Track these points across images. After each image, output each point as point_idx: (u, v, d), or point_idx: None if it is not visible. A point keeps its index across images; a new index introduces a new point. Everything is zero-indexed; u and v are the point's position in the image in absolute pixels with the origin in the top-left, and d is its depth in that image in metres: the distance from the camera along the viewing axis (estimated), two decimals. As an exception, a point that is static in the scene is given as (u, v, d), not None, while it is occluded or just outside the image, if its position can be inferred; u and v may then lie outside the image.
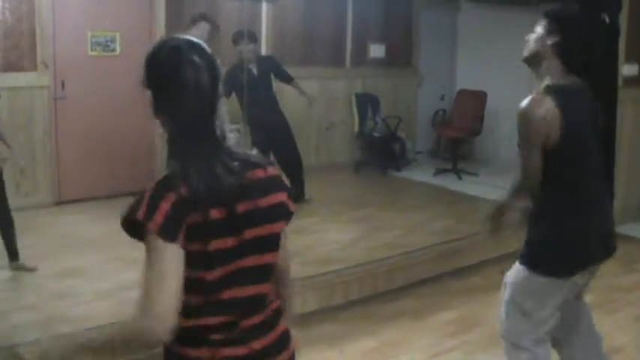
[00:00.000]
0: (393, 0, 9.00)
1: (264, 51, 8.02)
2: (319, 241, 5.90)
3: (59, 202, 6.57)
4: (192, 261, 1.79)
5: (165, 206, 1.76)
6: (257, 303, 1.95)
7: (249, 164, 1.92)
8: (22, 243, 5.50)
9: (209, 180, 1.80)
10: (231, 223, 1.83)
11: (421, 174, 8.56)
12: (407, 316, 4.86)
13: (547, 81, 2.93)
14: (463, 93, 9.32)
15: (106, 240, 5.58)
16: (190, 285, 1.80)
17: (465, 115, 8.98)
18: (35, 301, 4.48)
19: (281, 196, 1.96)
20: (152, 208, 1.77)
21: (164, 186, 1.79)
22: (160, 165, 7.26)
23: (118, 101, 6.60)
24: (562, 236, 2.92)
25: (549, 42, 2.93)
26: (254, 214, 1.87)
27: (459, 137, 8.97)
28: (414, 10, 9.35)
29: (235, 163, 1.88)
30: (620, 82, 6.46)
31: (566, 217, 2.93)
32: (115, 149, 6.85)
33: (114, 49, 6.85)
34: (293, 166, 6.66)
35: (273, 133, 6.70)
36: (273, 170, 1.99)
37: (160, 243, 1.77)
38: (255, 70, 6.83)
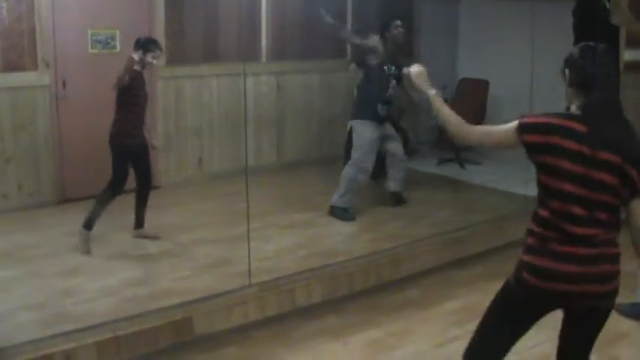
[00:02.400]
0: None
1: (264, 44, 8.01)
2: (323, 233, 5.90)
3: (62, 201, 6.58)
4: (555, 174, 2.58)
5: (540, 119, 2.64)
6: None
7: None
8: (26, 242, 5.55)
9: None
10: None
11: (424, 164, 8.54)
12: (411, 307, 4.87)
13: None
14: (465, 82, 9.29)
15: (109, 237, 5.61)
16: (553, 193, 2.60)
17: (468, 104, 8.94)
18: (40, 300, 4.50)
19: None
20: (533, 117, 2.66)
21: (558, 114, 2.66)
22: (163, 162, 7.27)
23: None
24: None
25: None
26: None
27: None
28: (415, 0, 9.32)
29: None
30: (621, 68, 6.43)
31: None
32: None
33: (114, 47, 6.83)
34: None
35: None
36: None
37: (513, 127, 2.68)
38: None
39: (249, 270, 4.66)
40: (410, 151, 8.85)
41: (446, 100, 9.12)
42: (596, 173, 2.55)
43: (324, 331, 4.48)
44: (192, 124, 7.53)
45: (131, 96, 5.41)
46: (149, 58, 5.39)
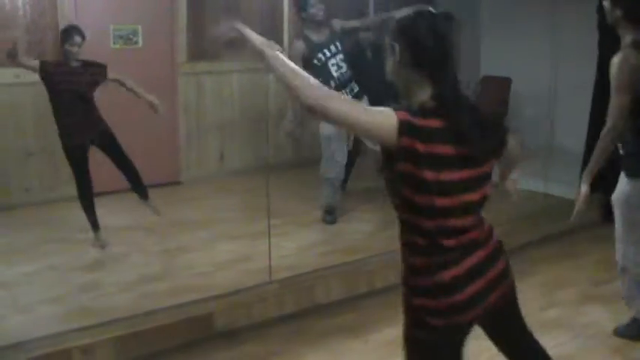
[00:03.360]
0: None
1: (285, 39, 7.98)
2: (342, 231, 5.87)
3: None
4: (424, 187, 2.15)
5: (417, 122, 2.10)
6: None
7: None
8: (46, 236, 5.55)
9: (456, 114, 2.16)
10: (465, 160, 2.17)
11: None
12: (432, 305, 4.81)
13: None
14: (487, 80, 9.21)
15: (127, 232, 5.62)
16: (422, 210, 2.22)
17: (490, 103, 8.87)
18: (58, 294, 4.51)
19: None
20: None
21: (421, 113, 2.14)
22: (184, 158, 7.27)
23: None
24: None
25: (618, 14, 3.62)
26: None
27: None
28: (436, -3, 9.25)
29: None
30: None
31: None
32: (137, 142, 6.82)
33: (137, 42, 6.84)
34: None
35: None
36: None
37: (375, 109, 2.10)
38: None
39: (270, 266, 4.64)
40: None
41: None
42: (480, 169, 2.23)
43: (343, 329, 4.44)
44: (213, 120, 7.52)
45: (58, 91, 5.18)
46: (67, 46, 5.15)
